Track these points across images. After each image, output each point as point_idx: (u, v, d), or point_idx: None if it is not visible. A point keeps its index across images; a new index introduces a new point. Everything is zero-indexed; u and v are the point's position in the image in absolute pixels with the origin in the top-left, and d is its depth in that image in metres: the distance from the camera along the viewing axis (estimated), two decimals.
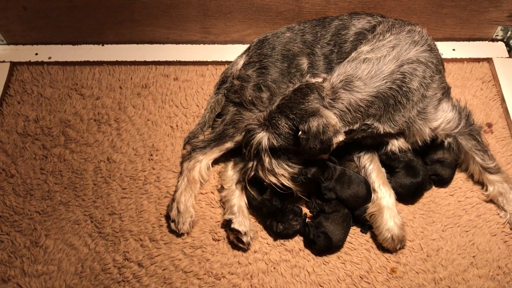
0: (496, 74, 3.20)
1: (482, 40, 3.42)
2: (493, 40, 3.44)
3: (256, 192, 2.54)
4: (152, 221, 2.65)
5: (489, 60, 3.30)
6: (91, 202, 2.73)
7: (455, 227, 2.65)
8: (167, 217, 2.61)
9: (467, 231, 2.64)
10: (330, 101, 2.31)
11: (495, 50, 3.37)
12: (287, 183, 2.43)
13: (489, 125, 3.04)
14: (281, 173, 2.39)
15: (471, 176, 2.79)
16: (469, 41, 3.42)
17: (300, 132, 2.23)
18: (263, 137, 2.33)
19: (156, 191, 2.76)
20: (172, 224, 2.57)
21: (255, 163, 2.43)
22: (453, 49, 3.40)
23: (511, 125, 3.03)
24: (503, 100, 3.13)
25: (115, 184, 2.78)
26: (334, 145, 2.27)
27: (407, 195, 2.70)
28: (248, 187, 2.52)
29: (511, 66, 3.26)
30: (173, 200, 2.62)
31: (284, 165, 2.40)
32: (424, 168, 2.72)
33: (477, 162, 2.69)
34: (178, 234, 2.58)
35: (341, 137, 2.27)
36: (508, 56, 3.36)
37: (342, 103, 2.32)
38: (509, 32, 3.38)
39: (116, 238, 2.60)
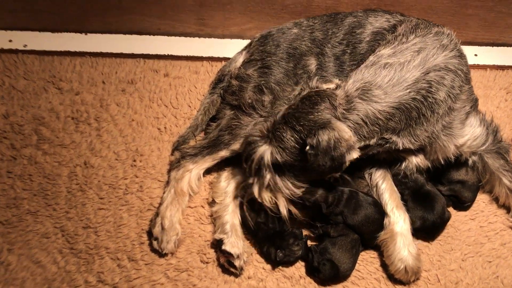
0: None
1: (508, 46, 3.27)
2: None
3: (251, 214, 2.38)
4: (132, 237, 2.46)
5: None
6: (63, 213, 2.53)
7: (476, 257, 2.46)
8: (150, 233, 2.43)
9: (490, 262, 2.44)
10: (344, 111, 2.12)
11: None
12: (286, 206, 2.26)
13: None
14: (286, 193, 2.23)
15: (495, 199, 2.60)
16: (493, 46, 3.28)
17: (307, 147, 2.05)
18: (265, 151, 2.16)
19: (138, 202, 2.57)
20: (155, 243, 2.38)
21: (255, 179, 2.26)
22: (475, 55, 3.21)
23: None
24: None
25: (91, 193, 2.60)
26: (347, 163, 2.10)
27: (420, 229, 2.47)
28: (245, 206, 2.34)
29: None
30: (157, 214, 2.44)
31: (289, 183, 2.22)
32: (441, 198, 2.47)
33: (504, 184, 2.49)
34: (161, 254, 2.40)
35: (355, 154, 2.08)
36: None
37: (357, 114, 2.12)
38: None
39: (89, 256, 2.40)
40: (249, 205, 2.36)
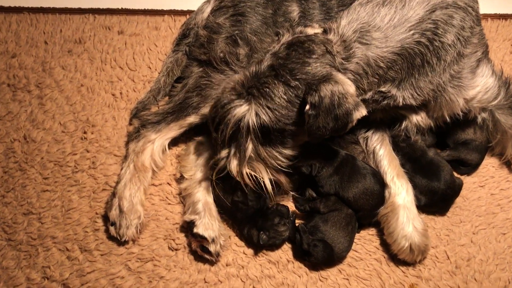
0: None
1: None
2: None
3: (225, 192, 2.20)
4: (84, 223, 2.30)
5: None
6: None
7: (489, 229, 2.30)
8: (106, 218, 2.27)
9: (504, 234, 2.29)
10: (343, 61, 1.94)
11: None
12: (271, 179, 2.05)
13: None
14: (272, 164, 2.02)
15: (507, 163, 2.43)
16: None
17: (307, 106, 1.83)
18: (246, 113, 1.90)
19: (90, 182, 2.41)
20: (112, 229, 2.22)
21: (232, 151, 2.00)
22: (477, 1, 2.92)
23: None
24: None
25: (33, 172, 2.41)
26: (354, 122, 1.89)
27: (427, 203, 2.26)
28: (216, 186, 2.19)
29: None
30: (113, 194, 2.28)
31: (275, 153, 2.02)
32: (446, 165, 2.25)
33: None
34: (121, 242, 2.24)
35: (364, 111, 1.88)
36: None
37: (357, 63, 1.94)
38: None
39: (32, 248, 2.23)
40: (221, 182, 2.16)
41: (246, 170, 2.05)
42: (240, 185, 2.13)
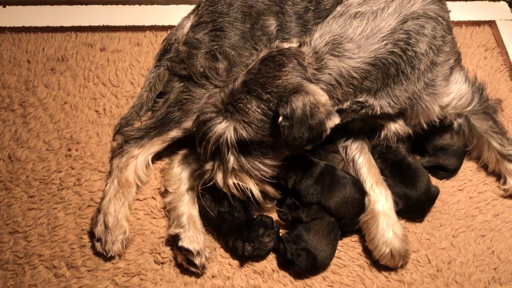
0: (502, 39, 2.91)
1: (482, 0, 3.14)
2: None
3: (211, 204, 2.19)
4: (71, 240, 2.27)
5: (491, 24, 3.03)
6: None
7: (468, 231, 2.33)
8: (92, 234, 2.25)
9: (483, 236, 2.32)
10: (315, 72, 1.93)
11: (498, 11, 3.08)
12: (258, 189, 2.07)
13: (498, 102, 2.64)
14: (255, 175, 2.04)
15: (484, 166, 2.47)
16: (466, 0, 3.14)
17: (280, 118, 1.84)
18: (226, 129, 1.93)
19: (76, 198, 2.38)
20: (98, 244, 2.20)
21: (215, 164, 2.03)
22: (449, 11, 2.91)
23: None
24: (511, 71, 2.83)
25: (19, 191, 2.38)
26: (328, 131, 1.90)
27: (404, 209, 2.27)
28: (202, 197, 2.19)
29: None
30: (98, 211, 2.26)
31: (257, 163, 2.03)
32: (424, 172, 2.27)
33: (493, 148, 2.34)
34: (107, 258, 2.21)
35: (336, 119, 1.88)
36: None
37: (330, 74, 1.94)
38: None
39: (19, 267, 2.19)
40: (207, 193, 2.18)
41: (233, 180, 2.05)
42: (226, 196, 2.12)
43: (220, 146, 1.97)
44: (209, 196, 2.20)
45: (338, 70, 1.92)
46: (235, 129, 1.91)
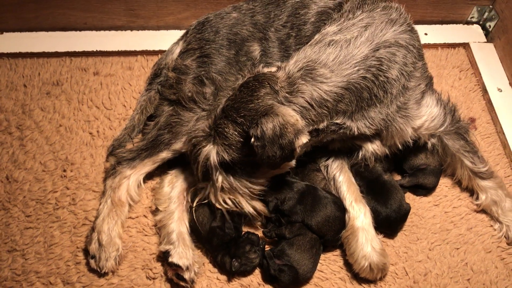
0: (475, 61, 2.99)
1: (456, 23, 3.21)
2: (468, 22, 3.21)
3: (204, 218, 2.23)
4: (66, 257, 2.27)
5: (465, 46, 3.10)
6: None
7: (443, 245, 2.38)
8: (86, 251, 2.25)
9: (457, 249, 2.37)
10: (287, 95, 1.97)
11: (471, 34, 3.16)
12: (249, 204, 2.15)
13: (472, 120, 2.76)
14: (244, 192, 2.12)
15: (458, 182, 2.53)
16: (442, 24, 3.20)
17: (252, 139, 1.90)
18: (210, 152, 2.02)
19: (71, 217, 2.38)
20: (92, 261, 2.21)
21: (208, 184, 2.13)
22: (425, 34, 3.13)
23: (495, 119, 2.78)
24: (484, 91, 2.89)
25: (16, 211, 2.38)
26: (298, 149, 1.93)
27: (378, 225, 2.31)
28: (195, 212, 2.23)
29: (490, 52, 3.07)
30: (93, 229, 2.26)
31: (245, 181, 2.10)
32: (398, 191, 2.32)
33: (466, 166, 2.40)
34: (101, 274, 2.22)
35: (304, 139, 1.93)
36: (485, 40, 3.13)
37: (302, 97, 1.98)
38: (486, 14, 3.13)
39: (17, 284, 2.19)
40: (201, 209, 2.23)
41: (221, 198, 2.12)
42: (220, 211, 2.17)
43: (208, 167, 2.05)
44: (201, 212, 2.22)
45: (310, 94, 1.97)
46: (217, 152, 1.99)
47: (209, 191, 2.15)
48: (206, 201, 2.18)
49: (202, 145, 2.03)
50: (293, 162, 2.12)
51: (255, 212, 2.17)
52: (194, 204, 2.19)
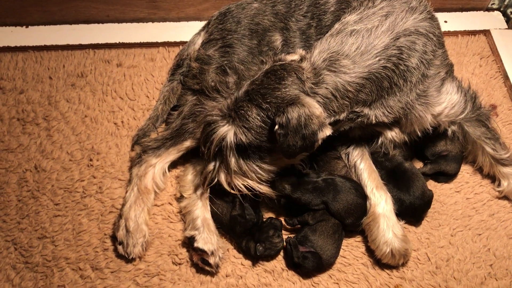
0: (496, 48, 2.97)
1: (477, 10, 3.20)
2: (488, 9, 3.19)
3: (223, 209, 2.25)
4: (94, 244, 2.33)
5: (486, 33, 3.08)
6: (14, 224, 2.37)
7: (465, 231, 2.39)
8: (114, 238, 2.31)
9: (480, 235, 2.38)
10: (312, 86, 1.99)
11: (492, 20, 3.14)
12: (259, 187, 2.15)
13: (493, 107, 2.74)
14: (252, 177, 2.12)
15: (479, 169, 2.53)
16: (462, 11, 3.19)
17: (276, 126, 1.92)
18: (228, 132, 2.01)
19: (98, 205, 2.43)
20: (120, 247, 2.26)
21: (217, 164, 2.11)
22: (445, 21, 3.12)
23: None
24: (506, 78, 2.88)
25: (45, 199, 2.43)
26: (320, 141, 1.97)
27: (399, 213, 2.31)
28: (213, 204, 2.25)
29: (511, 39, 3.04)
30: (120, 216, 2.31)
31: (255, 167, 2.10)
32: (419, 178, 2.32)
33: (487, 153, 2.41)
34: (128, 260, 2.27)
35: (328, 131, 1.97)
36: (506, 27, 3.11)
37: (326, 88, 2.00)
38: (507, 0, 3.11)
39: (48, 269, 2.25)
40: (218, 200, 2.27)
41: (235, 180, 2.11)
42: (237, 200, 2.18)
43: (222, 148, 2.04)
44: (220, 202, 2.25)
45: (334, 85, 1.98)
46: (235, 133, 1.99)
47: (218, 173, 2.13)
48: (214, 183, 2.15)
49: (218, 124, 2.02)
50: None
51: (269, 191, 2.17)
52: (205, 187, 2.19)
